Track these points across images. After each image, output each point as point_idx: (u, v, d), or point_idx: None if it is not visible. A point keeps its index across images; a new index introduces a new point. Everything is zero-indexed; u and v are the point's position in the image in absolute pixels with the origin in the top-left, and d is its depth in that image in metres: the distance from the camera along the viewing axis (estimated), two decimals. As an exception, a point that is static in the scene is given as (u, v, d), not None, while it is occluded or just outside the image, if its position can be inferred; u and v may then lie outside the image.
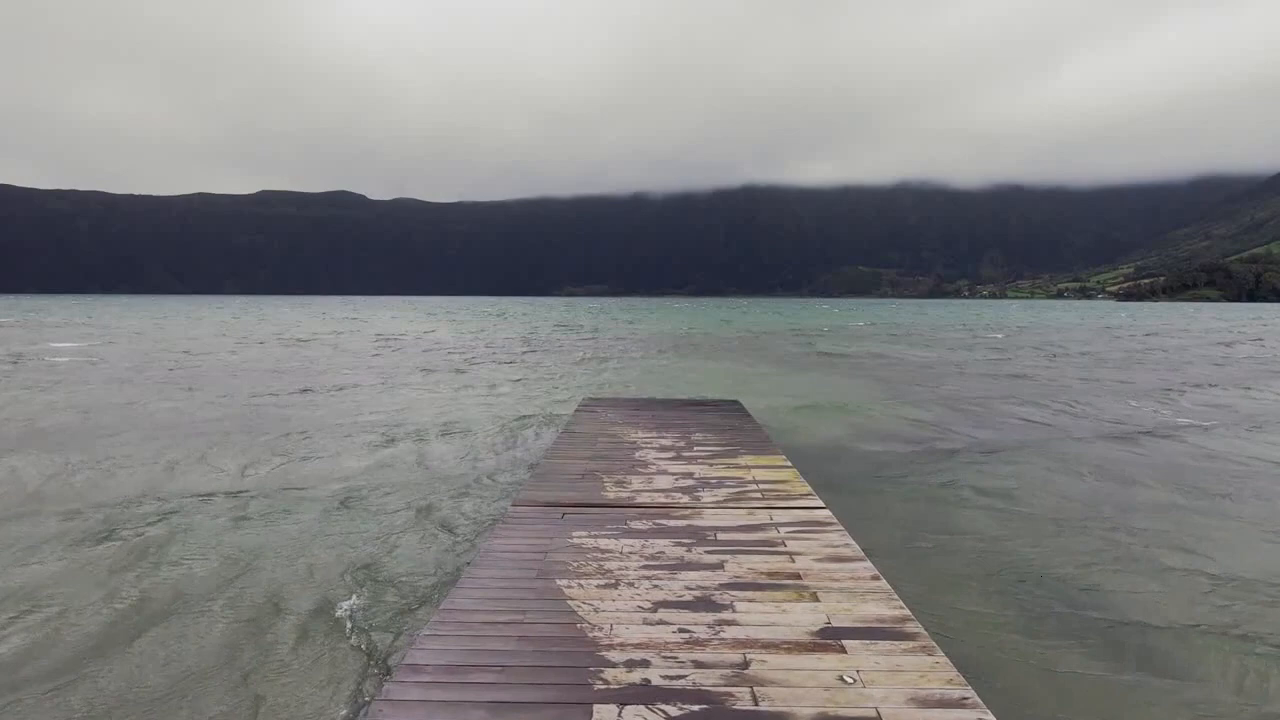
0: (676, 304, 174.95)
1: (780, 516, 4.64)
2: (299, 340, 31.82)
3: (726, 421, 8.32)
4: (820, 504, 4.91)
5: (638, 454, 6.55)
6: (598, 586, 3.50)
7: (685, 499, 5.05)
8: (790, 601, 3.32)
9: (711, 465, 6.08)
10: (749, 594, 3.40)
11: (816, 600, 3.33)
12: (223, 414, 12.05)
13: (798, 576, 3.62)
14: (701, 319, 63.79)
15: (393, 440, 9.98)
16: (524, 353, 25.90)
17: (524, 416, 11.78)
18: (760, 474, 5.77)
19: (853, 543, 4.13)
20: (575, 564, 3.80)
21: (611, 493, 5.20)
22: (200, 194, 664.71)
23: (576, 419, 8.47)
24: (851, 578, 3.60)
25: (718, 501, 4.97)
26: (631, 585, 3.51)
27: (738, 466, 6.04)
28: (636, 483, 5.50)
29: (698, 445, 6.94)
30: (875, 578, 3.60)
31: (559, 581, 3.55)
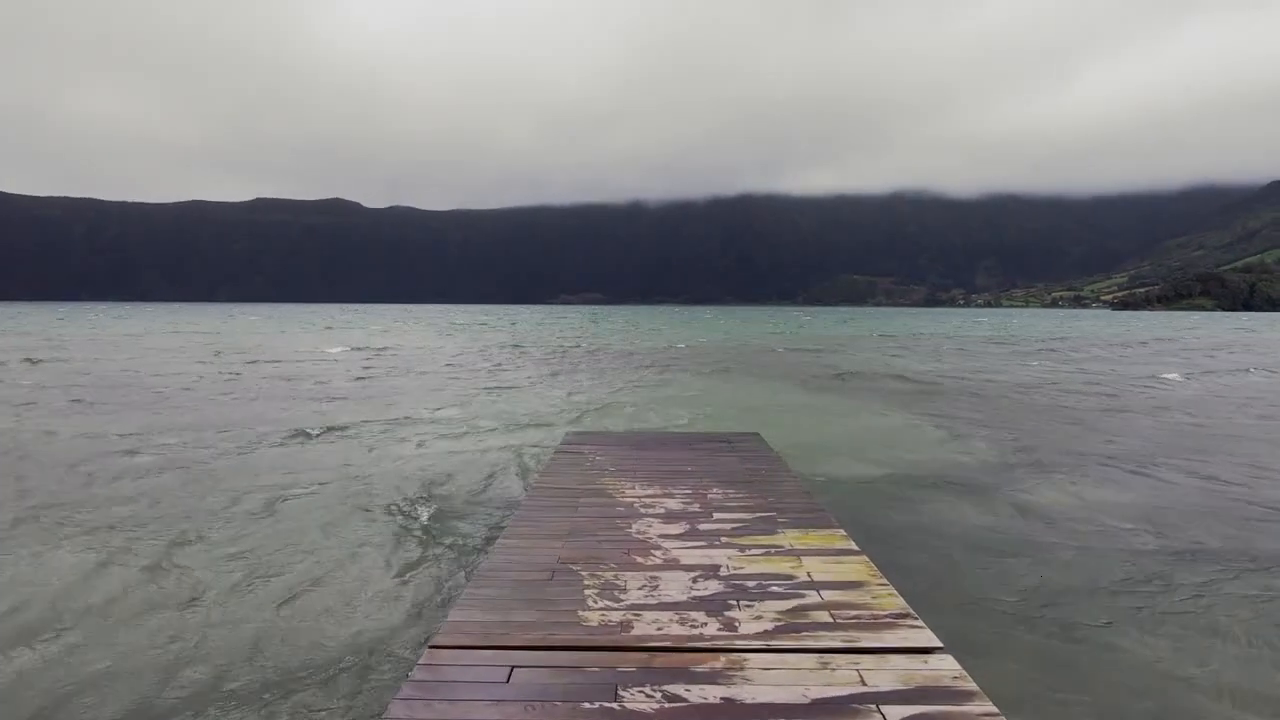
0: (707, 312, 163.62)
1: (874, 672, 2.77)
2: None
3: (749, 467, 6.45)
4: (933, 641, 3.03)
5: (635, 527, 4.67)
6: None
7: (713, 627, 3.16)
8: None
9: (744, 550, 4.20)
10: None
11: None
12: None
13: None
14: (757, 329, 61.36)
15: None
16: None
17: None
18: (817, 567, 3.90)
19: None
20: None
21: (594, 614, 3.31)
22: (195, 200, 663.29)
23: (554, 466, 6.56)
24: None
25: (765, 634, 3.10)
26: None
27: (781, 552, 4.16)
28: (634, 588, 3.62)
29: (718, 509, 5.06)
30: None
31: None
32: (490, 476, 8.41)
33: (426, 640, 3.50)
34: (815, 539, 4.40)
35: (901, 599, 3.47)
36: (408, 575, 5.44)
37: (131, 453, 9.54)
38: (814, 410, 14.58)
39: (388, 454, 9.62)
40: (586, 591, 3.57)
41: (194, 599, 5.04)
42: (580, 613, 3.32)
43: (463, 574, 5.36)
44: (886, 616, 3.26)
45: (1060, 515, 7.18)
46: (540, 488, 5.76)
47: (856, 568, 3.89)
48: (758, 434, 8.38)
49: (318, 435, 10.87)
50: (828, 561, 3.99)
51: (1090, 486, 8.37)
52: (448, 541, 6.15)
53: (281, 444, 10.31)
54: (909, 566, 5.49)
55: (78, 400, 14.43)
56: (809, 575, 3.78)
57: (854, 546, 4.26)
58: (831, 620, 3.22)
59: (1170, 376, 21.84)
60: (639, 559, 4.05)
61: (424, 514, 6.91)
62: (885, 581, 3.68)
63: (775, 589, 3.59)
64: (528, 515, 4.96)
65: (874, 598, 3.47)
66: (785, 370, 23.74)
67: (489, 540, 5.95)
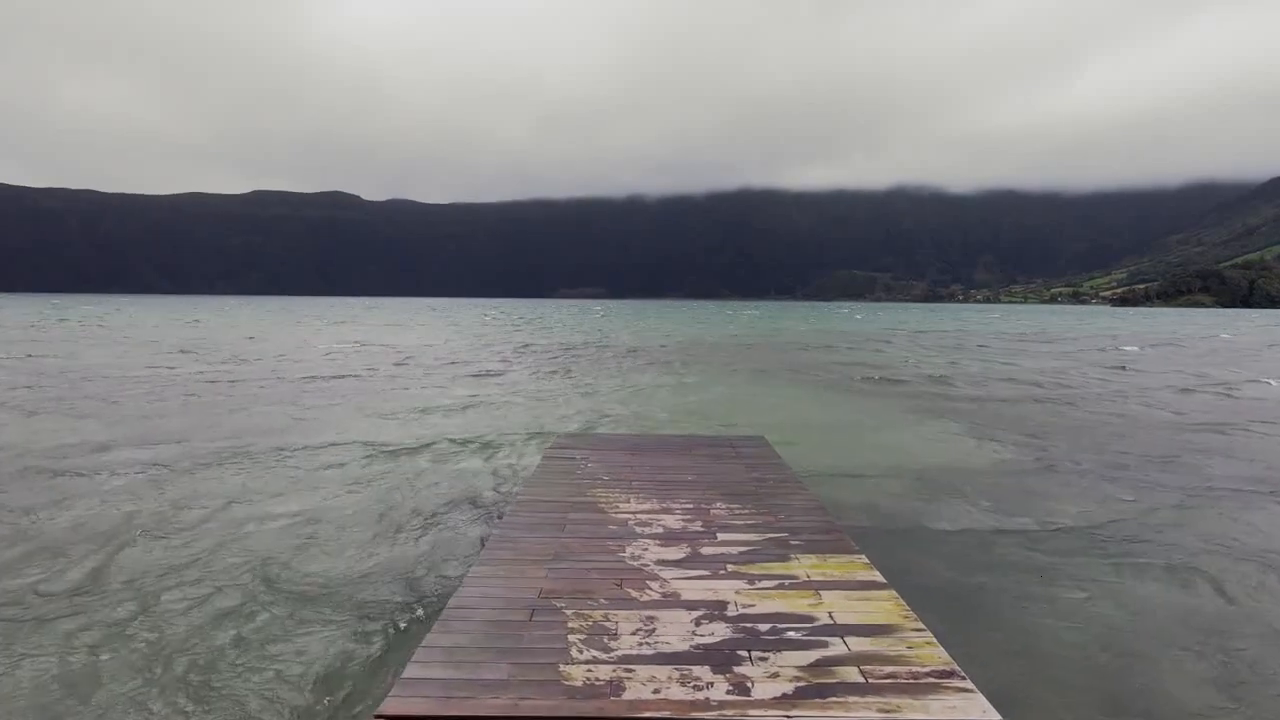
0: (710, 307, 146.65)
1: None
2: None
3: (756, 476, 5.90)
4: (989, 712, 2.48)
5: (629, 550, 4.12)
6: None
7: (720, 688, 2.63)
8: None
9: (753, 581, 3.66)
10: None
11: None
12: None
13: None
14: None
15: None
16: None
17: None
18: (840, 604, 3.36)
19: None
20: None
21: (578, 669, 2.78)
22: (193, 193, 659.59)
23: (541, 475, 6.01)
24: None
25: (784, 700, 2.56)
26: None
27: (797, 584, 3.62)
28: (626, 632, 3.08)
29: (722, 529, 4.52)
30: None
31: None
32: (493, 496, 7.63)
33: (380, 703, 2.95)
34: (834, 567, 3.86)
35: (943, 649, 2.93)
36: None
37: (52, 473, 8.37)
38: (851, 420, 13.10)
39: (379, 470, 8.71)
40: (571, 637, 3.03)
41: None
42: (562, 667, 2.78)
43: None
44: (928, 675, 2.72)
45: (1148, 553, 5.92)
46: (525, 501, 5.21)
47: (885, 605, 3.36)
48: (763, 437, 7.85)
49: (297, 449, 9.87)
50: (851, 597, 3.45)
51: (1210, 523, 6.87)
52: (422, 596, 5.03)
53: (250, 460, 9.26)
54: (945, 605, 4.83)
55: (26, 403, 13.68)
56: (831, 616, 3.24)
57: (879, 578, 3.72)
58: (863, 680, 2.68)
59: (1240, 380, 19.71)
60: (633, 592, 3.51)
61: (424, 561, 5.83)
62: (921, 626, 3.14)
63: (792, 635, 3.05)
64: (508, 535, 4.42)
65: (910, 647, 2.94)
66: (811, 370, 22.42)
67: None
